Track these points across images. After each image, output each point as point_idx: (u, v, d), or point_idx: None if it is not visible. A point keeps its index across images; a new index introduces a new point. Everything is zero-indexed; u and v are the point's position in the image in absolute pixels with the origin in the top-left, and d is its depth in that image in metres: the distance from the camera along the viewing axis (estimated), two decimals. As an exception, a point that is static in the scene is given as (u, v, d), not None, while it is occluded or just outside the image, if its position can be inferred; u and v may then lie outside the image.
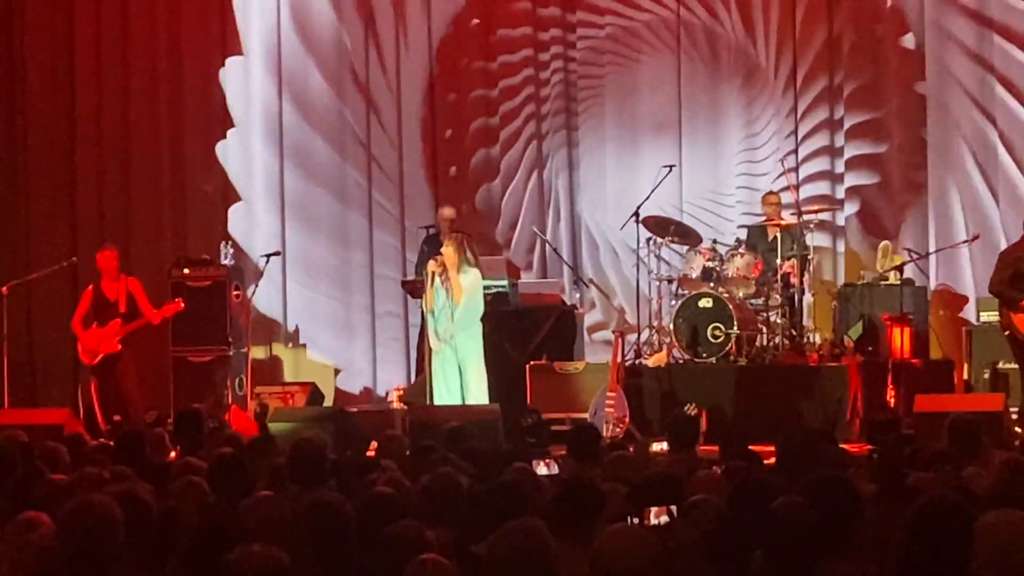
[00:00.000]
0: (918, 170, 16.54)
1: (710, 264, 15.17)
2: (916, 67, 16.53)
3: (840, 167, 16.86)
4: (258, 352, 16.98)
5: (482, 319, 14.90)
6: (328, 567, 5.68)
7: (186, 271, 15.92)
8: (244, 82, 17.82)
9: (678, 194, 16.93)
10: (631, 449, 9.96)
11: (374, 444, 10.45)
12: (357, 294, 17.78)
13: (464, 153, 17.78)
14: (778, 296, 15.21)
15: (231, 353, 15.74)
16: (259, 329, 17.09)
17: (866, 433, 13.01)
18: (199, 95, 17.81)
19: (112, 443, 9.95)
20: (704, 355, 14.85)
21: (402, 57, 17.84)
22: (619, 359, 14.58)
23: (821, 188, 16.90)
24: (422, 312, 14.56)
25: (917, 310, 15.34)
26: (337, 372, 17.63)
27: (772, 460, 8.55)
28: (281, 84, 17.75)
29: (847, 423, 14.13)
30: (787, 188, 16.20)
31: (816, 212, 15.92)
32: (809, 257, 15.52)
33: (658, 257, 16.18)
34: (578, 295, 16.82)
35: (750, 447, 9.14)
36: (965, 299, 16.16)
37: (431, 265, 14.09)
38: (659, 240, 15.78)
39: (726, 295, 14.87)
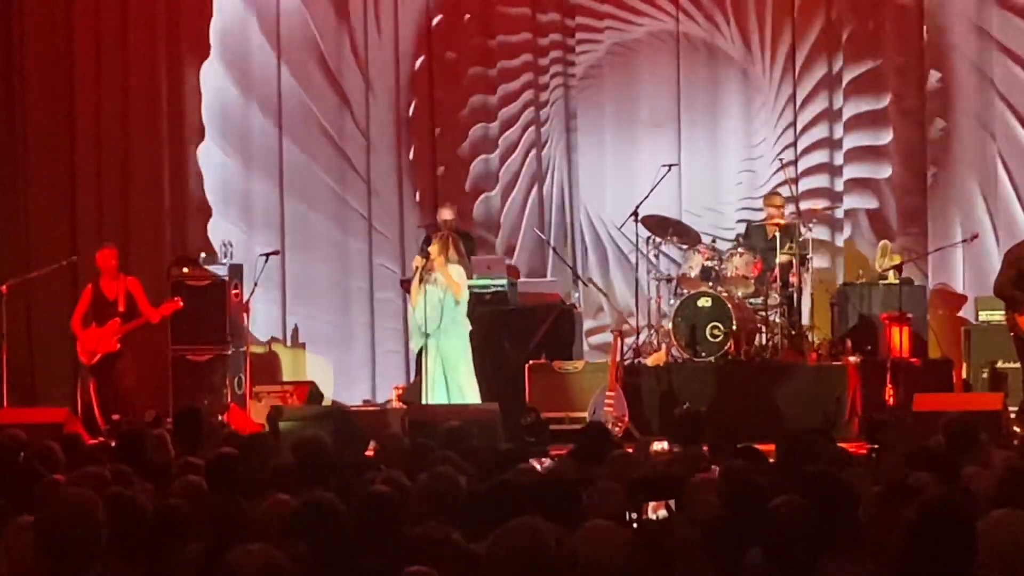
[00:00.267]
0: (918, 168, 16.56)
1: (709, 263, 15.18)
2: (916, 53, 16.56)
3: (839, 158, 16.90)
4: (257, 350, 16.97)
5: (480, 318, 14.93)
6: (324, 567, 5.67)
7: (185, 270, 15.93)
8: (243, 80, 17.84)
9: (677, 193, 16.93)
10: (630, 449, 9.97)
11: (373, 443, 10.45)
12: (355, 284, 17.81)
13: (460, 154, 17.78)
14: (777, 295, 15.21)
15: (230, 352, 15.74)
16: (258, 328, 17.08)
17: (865, 432, 13.02)
18: (198, 94, 17.81)
19: (111, 442, 9.95)
20: (703, 354, 14.86)
21: (402, 55, 17.85)
22: (618, 358, 14.58)
23: (820, 181, 16.93)
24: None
25: (916, 309, 15.35)
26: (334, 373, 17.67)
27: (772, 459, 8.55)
28: (280, 85, 17.75)
29: (846, 422, 14.15)
30: (785, 182, 16.23)
31: (815, 212, 15.93)
32: (808, 256, 15.53)
33: (657, 256, 16.20)
34: (577, 295, 16.82)
35: (751, 446, 9.13)
36: (964, 298, 16.17)
37: (416, 261, 14.13)
38: (658, 239, 15.79)
39: (725, 294, 14.87)
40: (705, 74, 17.29)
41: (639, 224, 15.56)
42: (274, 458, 8.39)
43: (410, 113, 17.84)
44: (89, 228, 17.46)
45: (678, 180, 16.87)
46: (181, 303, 15.28)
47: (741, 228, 16.48)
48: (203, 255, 16.22)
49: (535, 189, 17.63)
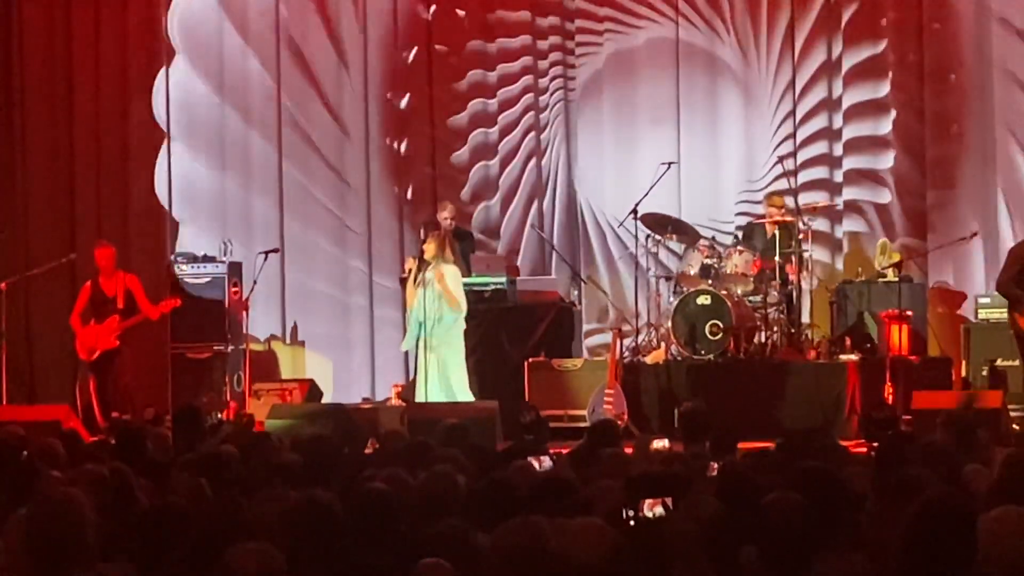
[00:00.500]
0: (920, 165, 16.57)
1: (708, 261, 15.18)
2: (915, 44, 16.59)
3: (838, 154, 16.89)
4: (256, 348, 16.97)
5: (480, 316, 14.93)
6: (321, 565, 5.67)
7: (184, 267, 15.93)
8: (244, 77, 17.83)
9: (676, 191, 16.92)
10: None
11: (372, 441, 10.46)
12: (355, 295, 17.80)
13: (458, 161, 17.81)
14: (776, 293, 15.21)
15: (229, 350, 15.74)
16: (257, 325, 17.07)
17: (864, 430, 13.04)
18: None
19: (111, 440, 9.95)
20: (702, 352, 14.86)
21: (400, 50, 17.85)
22: (617, 356, 14.58)
23: (819, 173, 16.94)
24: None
25: (915, 307, 15.34)
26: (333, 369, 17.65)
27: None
28: (279, 80, 17.75)
29: (845, 420, 14.15)
30: (783, 175, 16.24)
31: (815, 210, 15.93)
32: (807, 254, 15.53)
33: (656, 254, 16.20)
34: (576, 292, 16.81)
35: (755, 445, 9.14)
36: (963, 296, 16.17)
37: (409, 262, 14.13)
38: (657, 237, 15.80)
39: (724, 292, 14.87)
40: (704, 70, 17.27)
41: (638, 222, 15.56)
42: (275, 456, 8.38)
43: (402, 105, 17.84)
44: (88, 225, 17.45)
45: (677, 178, 16.86)
46: (179, 301, 15.30)
47: (741, 220, 16.46)
48: (203, 252, 16.23)
49: (535, 189, 17.62)
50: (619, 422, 14.00)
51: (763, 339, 15.15)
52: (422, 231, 16.08)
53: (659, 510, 5.84)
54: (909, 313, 15.04)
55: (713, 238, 15.77)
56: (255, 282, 15.73)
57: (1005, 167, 16.29)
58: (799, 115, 16.93)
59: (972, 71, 16.40)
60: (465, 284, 14.44)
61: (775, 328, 15.22)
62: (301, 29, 17.71)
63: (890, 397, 14.13)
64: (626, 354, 15.28)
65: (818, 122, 16.91)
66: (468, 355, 14.34)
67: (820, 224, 16.42)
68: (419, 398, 13.97)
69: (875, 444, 9.97)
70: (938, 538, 5.00)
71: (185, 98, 17.62)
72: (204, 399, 15.08)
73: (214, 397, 15.35)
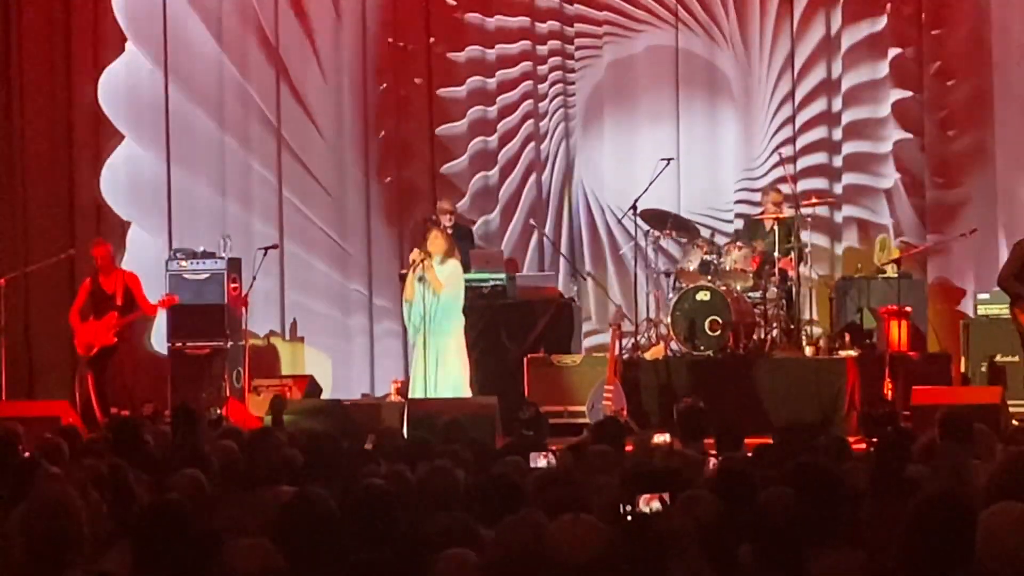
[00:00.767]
0: (920, 161, 16.58)
1: (708, 257, 15.18)
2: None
3: (838, 139, 16.92)
4: (255, 344, 16.96)
5: (479, 312, 14.91)
6: (318, 561, 5.66)
7: (184, 264, 15.92)
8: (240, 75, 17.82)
9: (676, 187, 16.92)
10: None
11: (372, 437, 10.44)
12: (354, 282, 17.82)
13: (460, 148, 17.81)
14: (775, 289, 15.21)
15: (228, 346, 15.73)
16: (256, 321, 17.07)
17: (863, 426, 13.03)
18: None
19: (109, 436, 9.93)
20: (701, 348, 14.86)
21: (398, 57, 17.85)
22: (616, 352, 14.58)
23: (818, 164, 16.96)
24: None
25: (915, 303, 15.34)
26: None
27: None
28: (278, 81, 17.74)
29: (844, 416, 14.15)
30: (781, 162, 16.25)
31: (814, 205, 15.92)
32: (806, 250, 15.53)
33: (656, 250, 16.19)
34: (576, 288, 16.81)
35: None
36: (963, 292, 16.17)
37: (413, 254, 14.08)
38: (657, 233, 15.80)
39: (724, 288, 14.87)
40: (703, 64, 17.28)
41: (638, 218, 15.56)
42: (275, 452, 8.37)
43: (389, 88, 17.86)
44: (88, 221, 17.43)
45: (676, 174, 16.85)
46: (176, 299, 15.31)
47: (740, 221, 16.46)
48: (202, 248, 16.23)
49: (533, 181, 17.63)
50: (619, 418, 14.04)
51: (762, 335, 15.15)
52: (427, 225, 16.12)
53: (656, 505, 5.83)
54: (908, 309, 15.04)
55: (712, 234, 15.77)
56: (254, 278, 15.72)
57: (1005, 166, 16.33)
58: (798, 97, 16.95)
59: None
60: (464, 280, 14.41)
61: (774, 324, 15.22)
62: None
63: (889, 393, 14.13)
64: (626, 349, 15.28)
65: (817, 106, 16.93)
66: (468, 351, 14.32)
67: (819, 233, 16.42)
68: (415, 393, 13.92)
69: (874, 440, 9.97)
70: (937, 534, 4.99)
71: (185, 124, 17.61)
72: (203, 395, 15.07)
73: (213, 393, 15.35)
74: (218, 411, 14.43)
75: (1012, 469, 6.32)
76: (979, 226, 15.85)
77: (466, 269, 14.92)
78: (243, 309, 15.89)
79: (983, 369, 14.76)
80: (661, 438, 9.71)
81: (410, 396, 13.93)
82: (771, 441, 8.88)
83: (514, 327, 15.70)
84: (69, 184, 17.68)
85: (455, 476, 6.91)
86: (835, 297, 15.72)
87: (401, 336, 17.34)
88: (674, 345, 15.13)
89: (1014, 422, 13.09)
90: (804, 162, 16.97)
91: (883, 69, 16.71)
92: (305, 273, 17.71)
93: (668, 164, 16.03)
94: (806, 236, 15.46)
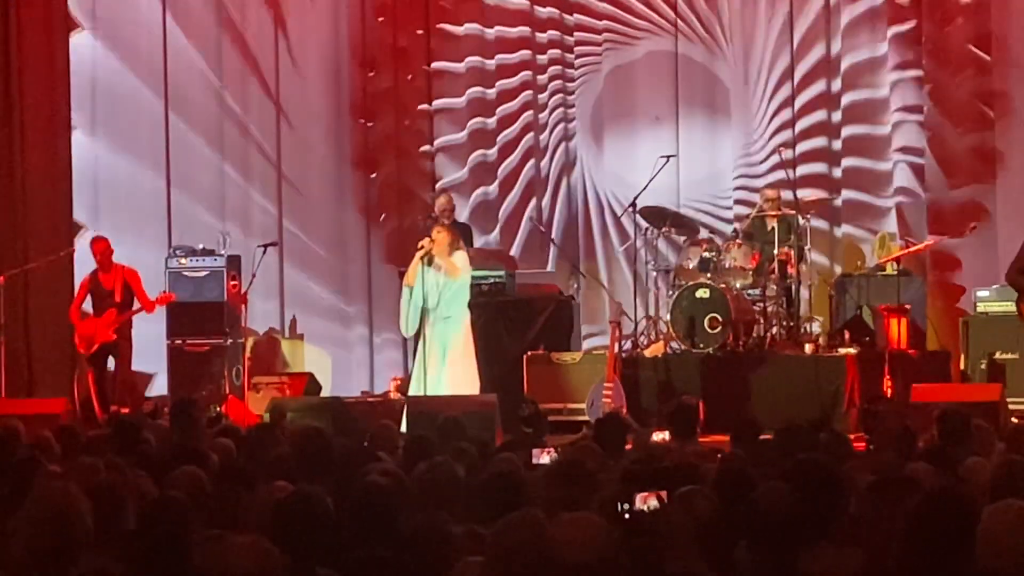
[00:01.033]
0: (920, 157, 16.59)
1: (707, 254, 15.18)
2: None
3: (837, 153, 16.89)
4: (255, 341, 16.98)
5: (478, 309, 14.89)
6: (317, 559, 5.66)
7: (183, 261, 15.92)
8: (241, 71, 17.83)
9: (675, 185, 16.93)
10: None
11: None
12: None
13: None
14: (775, 286, 15.22)
15: (228, 343, 15.72)
16: (256, 319, 17.07)
17: (863, 423, 13.03)
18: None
19: (109, 432, 9.94)
20: (701, 345, 14.86)
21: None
22: (616, 349, 14.59)
23: (818, 167, 16.94)
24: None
25: (914, 301, 15.34)
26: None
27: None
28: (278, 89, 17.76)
29: (844, 413, 14.15)
30: (780, 165, 16.26)
31: (813, 204, 15.93)
32: (806, 248, 15.53)
33: (655, 248, 16.20)
34: (575, 286, 16.81)
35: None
36: (962, 289, 16.16)
37: (424, 241, 14.02)
38: (656, 231, 15.80)
39: (723, 286, 14.88)
40: (702, 64, 17.30)
41: (637, 215, 15.56)
42: (273, 449, 8.38)
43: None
44: (87, 218, 17.41)
45: (676, 171, 16.86)
46: (174, 296, 15.32)
47: (740, 210, 16.46)
48: (201, 246, 16.23)
49: (534, 182, 17.65)
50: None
51: (762, 332, 15.15)
52: (427, 222, 16.14)
53: (653, 503, 5.83)
54: (908, 306, 15.04)
55: (712, 231, 15.77)
56: (253, 275, 15.72)
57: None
58: (798, 81, 16.96)
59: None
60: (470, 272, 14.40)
61: (774, 321, 15.22)
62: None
63: (889, 390, 14.13)
64: (625, 345, 15.28)
65: (817, 87, 16.94)
66: (468, 349, 14.32)
67: (818, 222, 16.43)
68: (416, 389, 13.88)
69: (873, 437, 9.97)
70: (938, 531, 4.99)
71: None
72: (203, 392, 15.07)
73: (213, 390, 15.35)
74: (217, 408, 14.44)
75: (1012, 468, 6.33)
76: (978, 222, 15.86)
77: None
78: (242, 306, 15.90)
79: (982, 366, 14.75)
80: (660, 436, 9.72)
81: (412, 389, 13.90)
82: (770, 438, 8.87)
83: (513, 324, 15.70)
84: (69, 180, 17.65)
85: (455, 473, 6.91)
86: (835, 295, 15.72)
87: (400, 336, 17.37)
88: (673, 343, 15.13)
89: (1013, 419, 13.09)
90: (803, 146, 16.98)
91: (882, 47, 16.73)
92: (305, 272, 17.72)
93: (668, 161, 16.04)
94: (804, 222, 15.46)
